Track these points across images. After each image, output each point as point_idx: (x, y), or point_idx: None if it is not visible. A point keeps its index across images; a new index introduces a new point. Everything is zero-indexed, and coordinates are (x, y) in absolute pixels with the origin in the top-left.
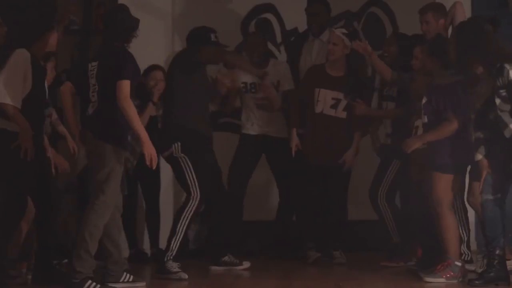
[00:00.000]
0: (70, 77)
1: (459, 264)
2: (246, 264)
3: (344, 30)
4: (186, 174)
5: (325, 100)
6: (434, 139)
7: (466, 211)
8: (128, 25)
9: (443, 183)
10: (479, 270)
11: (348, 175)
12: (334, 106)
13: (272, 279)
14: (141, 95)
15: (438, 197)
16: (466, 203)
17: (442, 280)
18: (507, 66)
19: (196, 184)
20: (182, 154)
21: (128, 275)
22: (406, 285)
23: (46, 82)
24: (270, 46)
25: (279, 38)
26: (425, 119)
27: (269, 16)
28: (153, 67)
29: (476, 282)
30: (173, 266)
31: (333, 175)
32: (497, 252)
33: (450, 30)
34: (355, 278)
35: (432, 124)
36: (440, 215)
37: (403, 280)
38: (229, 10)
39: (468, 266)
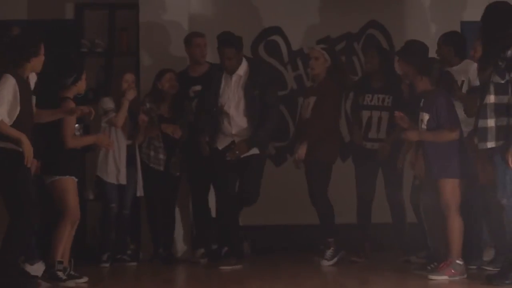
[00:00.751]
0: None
1: (460, 263)
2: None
3: (323, 45)
4: None
5: (302, 106)
6: (431, 139)
7: None
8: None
9: (450, 188)
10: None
11: (323, 174)
12: (305, 109)
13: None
14: (156, 98)
15: (447, 201)
16: None
17: (445, 277)
18: None
19: None
20: None
21: None
22: (412, 283)
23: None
24: (278, 66)
25: (286, 58)
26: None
27: (277, 38)
28: (166, 70)
29: (498, 281)
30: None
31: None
32: None
33: None
34: (357, 277)
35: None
36: (448, 217)
37: (408, 278)
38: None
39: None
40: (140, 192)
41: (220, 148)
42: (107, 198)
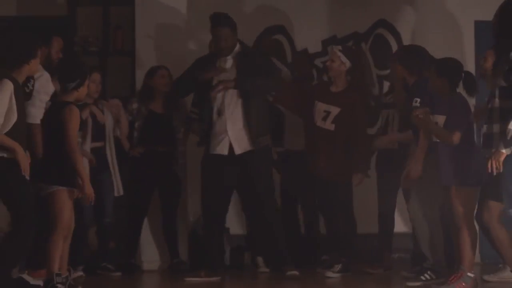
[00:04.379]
0: None
1: (471, 275)
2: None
3: (340, 48)
4: None
5: (319, 112)
6: (434, 132)
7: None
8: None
9: (465, 197)
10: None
11: (348, 188)
12: (324, 118)
13: None
14: (148, 96)
15: (461, 211)
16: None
17: None
18: None
19: None
20: None
21: None
22: None
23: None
24: (281, 67)
25: (289, 59)
26: None
27: (280, 37)
28: (158, 67)
29: None
30: None
31: (328, 187)
32: None
33: None
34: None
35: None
36: (462, 228)
37: None
38: (241, 32)
39: (488, 277)
40: (118, 192)
41: (213, 152)
42: (83, 207)
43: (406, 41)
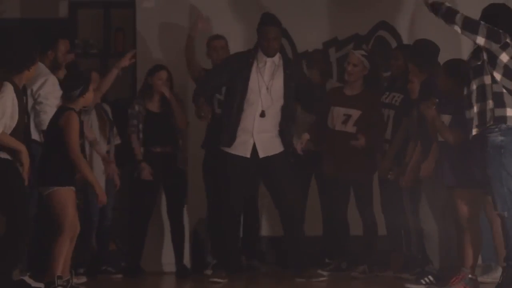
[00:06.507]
0: None
1: (473, 277)
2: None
3: (363, 52)
4: None
5: (338, 117)
6: (438, 128)
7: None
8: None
9: (468, 198)
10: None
11: (369, 188)
12: (344, 122)
13: None
14: (146, 94)
15: (464, 212)
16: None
17: None
18: None
19: None
20: None
21: None
22: None
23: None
24: None
25: None
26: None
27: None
28: (159, 67)
29: None
30: None
31: (354, 187)
32: None
33: None
34: None
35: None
36: (468, 229)
37: None
38: (242, 35)
39: (482, 278)
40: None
41: (235, 153)
42: (90, 210)
43: (407, 43)
